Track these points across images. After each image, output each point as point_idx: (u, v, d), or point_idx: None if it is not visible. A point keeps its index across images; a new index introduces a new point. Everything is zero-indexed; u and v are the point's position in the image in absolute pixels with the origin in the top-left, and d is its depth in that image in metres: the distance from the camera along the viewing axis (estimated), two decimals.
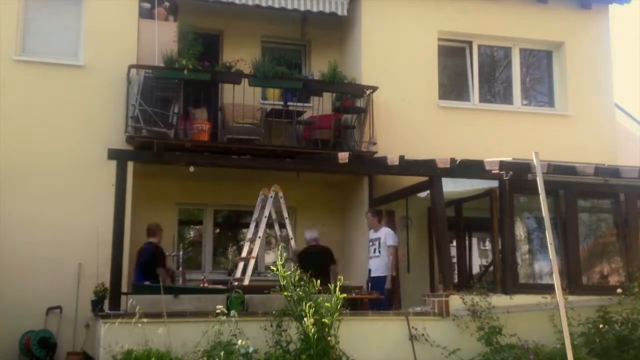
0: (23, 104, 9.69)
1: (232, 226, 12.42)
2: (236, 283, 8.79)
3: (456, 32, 11.80)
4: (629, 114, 15.26)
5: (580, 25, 12.31)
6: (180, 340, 7.09)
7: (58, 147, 9.68)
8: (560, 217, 9.39)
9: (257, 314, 7.73)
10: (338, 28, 11.84)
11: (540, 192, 6.59)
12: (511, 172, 8.98)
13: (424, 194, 9.85)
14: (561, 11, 12.19)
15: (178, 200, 11.13)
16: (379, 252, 9.74)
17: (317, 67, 11.20)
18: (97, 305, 8.30)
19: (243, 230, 10.19)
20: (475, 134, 11.19)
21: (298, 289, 7.28)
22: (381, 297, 9.32)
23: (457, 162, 8.95)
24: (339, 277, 7.49)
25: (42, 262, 9.20)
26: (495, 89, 12.69)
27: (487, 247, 13.59)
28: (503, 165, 8.90)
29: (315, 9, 11.02)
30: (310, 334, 7.03)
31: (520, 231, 9.69)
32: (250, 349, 7.04)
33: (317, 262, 9.05)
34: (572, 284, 9.03)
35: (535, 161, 6.78)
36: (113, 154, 8.54)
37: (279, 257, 7.44)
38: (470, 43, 12.02)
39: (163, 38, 10.03)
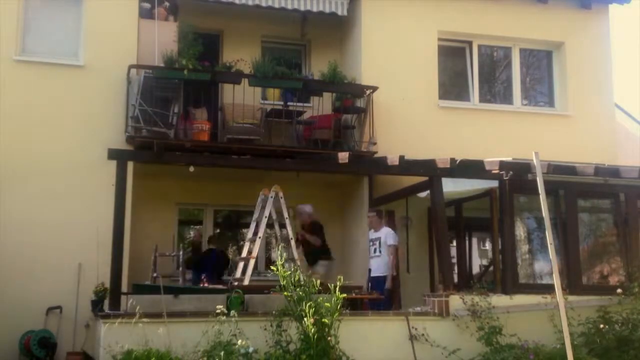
0: (23, 104, 9.69)
1: (232, 226, 12.42)
2: (236, 283, 8.79)
3: (456, 32, 11.80)
4: (629, 114, 15.27)
5: (580, 25, 12.31)
6: (180, 340, 7.09)
7: (58, 147, 9.68)
8: (560, 217, 9.40)
9: (257, 314, 7.73)
10: (338, 28, 11.85)
11: (540, 192, 6.59)
12: (511, 172, 8.98)
13: (424, 194, 9.85)
14: (561, 11, 12.19)
15: (178, 200, 11.13)
16: (380, 251, 9.75)
17: (317, 67, 11.20)
18: (97, 305, 8.30)
19: (243, 230, 10.19)
20: (475, 134, 11.19)
21: (298, 289, 7.29)
22: (381, 297, 9.32)
23: (457, 162, 8.95)
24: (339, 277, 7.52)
25: (42, 262, 9.20)
26: (495, 89, 12.69)
27: (487, 247, 13.61)
28: (503, 165, 8.90)
29: (315, 9, 11.02)
30: (310, 334, 7.03)
31: (520, 231, 9.69)
32: (250, 349, 7.04)
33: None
34: (572, 284, 9.03)
35: (535, 161, 6.78)
36: (113, 154, 8.54)
37: (279, 257, 7.45)
38: (470, 43, 12.02)
39: (163, 38, 10.03)
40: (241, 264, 9.40)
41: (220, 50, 11.54)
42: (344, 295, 7.30)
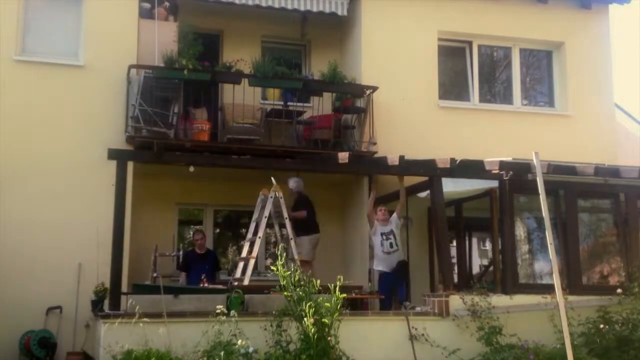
0: (23, 104, 9.69)
1: (232, 226, 12.42)
2: (236, 283, 8.79)
3: (456, 32, 11.79)
4: (629, 114, 15.27)
5: (580, 25, 12.31)
6: (180, 340, 7.09)
7: (58, 147, 9.67)
8: (560, 217, 9.40)
9: (257, 314, 7.74)
10: (338, 28, 11.84)
11: (540, 192, 6.60)
12: (511, 172, 8.98)
13: (424, 194, 9.85)
14: (561, 11, 12.19)
15: (178, 200, 11.13)
16: (397, 245, 9.58)
17: (317, 67, 11.19)
18: (97, 305, 8.30)
19: (243, 230, 10.20)
20: (475, 134, 11.19)
21: (298, 289, 7.29)
22: (381, 297, 9.34)
23: (457, 162, 8.96)
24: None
25: (42, 262, 9.20)
26: (495, 89, 12.69)
27: (487, 247, 13.60)
28: (503, 165, 8.91)
29: (315, 9, 11.02)
30: (310, 334, 7.03)
31: (520, 231, 9.69)
32: (250, 349, 7.05)
33: None
34: (572, 284, 9.03)
35: (535, 161, 6.78)
36: (113, 154, 8.55)
37: (279, 257, 7.46)
38: (470, 43, 12.02)
39: (163, 38, 10.02)
40: (241, 264, 9.40)
41: (220, 50, 11.54)
42: (344, 295, 7.31)
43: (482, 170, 9.03)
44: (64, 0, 10.39)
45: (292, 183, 10.00)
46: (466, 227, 11.13)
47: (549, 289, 7.91)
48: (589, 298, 8.80)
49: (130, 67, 9.77)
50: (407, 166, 9.19)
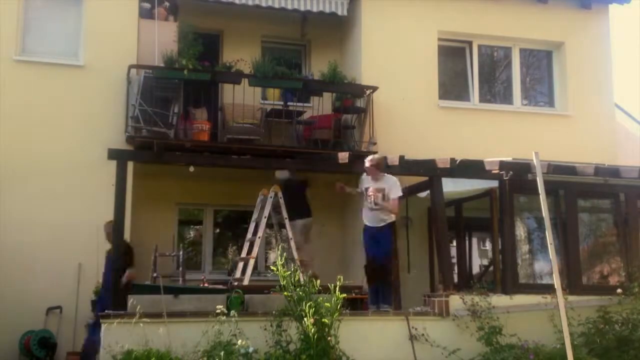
0: (23, 104, 9.69)
1: (232, 226, 12.42)
2: (236, 283, 8.79)
3: (456, 32, 11.80)
4: (629, 114, 15.27)
5: (580, 25, 12.31)
6: (180, 340, 7.09)
7: (58, 147, 9.68)
8: (560, 217, 9.40)
9: (257, 314, 7.73)
10: (338, 28, 11.85)
11: (540, 192, 6.60)
12: (511, 172, 8.98)
13: (424, 194, 9.85)
14: (561, 11, 12.19)
15: (178, 200, 11.13)
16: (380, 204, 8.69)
17: (317, 67, 11.20)
18: (97, 305, 8.30)
19: (243, 230, 10.20)
20: (475, 134, 11.19)
21: (298, 289, 7.29)
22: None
23: (457, 162, 8.95)
24: None
25: (42, 262, 9.20)
26: (495, 89, 12.69)
27: (487, 247, 13.60)
28: (503, 165, 8.90)
29: (315, 9, 11.02)
30: (310, 334, 7.03)
31: (520, 231, 9.69)
32: (250, 349, 7.04)
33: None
34: (572, 284, 9.03)
35: (535, 161, 6.78)
36: (113, 154, 8.54)
37: (279, 257, 7.46)
38: (470, 43, 12.02)
39: (163, 38, 10.03)
40: (241, 264, 9.40)
41: (220, 50, 11.54)
42: (344, 295, 7.31)
43: (482, 170, 9.02)
44: (64, 0, 10.40)
45: (280, 174, 9.86)
46: (466, 227, 11.13)
47: (549, 289, 7.91)
48: (589, 298, 8.79)
49: (130, 67, 9.78)
50: (407, 166, 9.19)
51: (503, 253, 9.24)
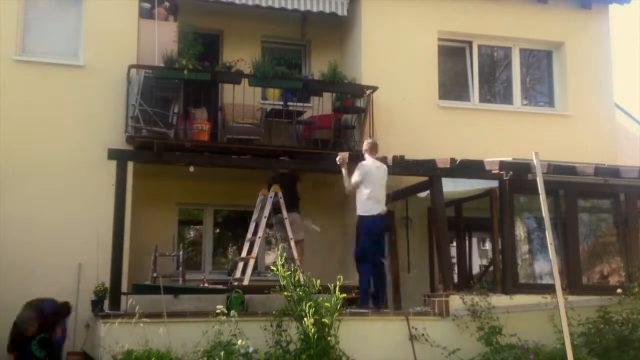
0: (23, 104, 9.69)
1: (232, 226, 12.43)
2: (236, 283, 8.79)
3: (456, 32, 11.80)
4: (629, 114, 15.28)
5: (580, 25, 12.31)
6: (180, 340, 7.09)
7: (58, 147, 9.67)
8: (560, 217, 9.40)
9: (257, 314, 7.74)
10: (338, 28, 11.85)
11: (540, 192, 6.60)
12: (511, 172, 8.98)
13: (424, 194, 9.85)
14: (561, 11, 12.19)
15: (178, 200, 11.12)
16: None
17: (317, 67, 11.20)
18: (97, 305, 8.30)
19: (243, 230, 10.21)
20: (475, 134, 11.19)
21: (298, 289, 7.29)
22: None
23: (457, 162, 8.96)
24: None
25: (42, 262, 9.19)
26: (495, 89, 12.69)
27: (487, 247, 13.61)
28: (503, 165, 8.91)
29: (315, 9, 11.02)
30: (310, 334, 7.03)
31: (520, 231, 9.69)
32: (250, 349, 7.05)
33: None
34: (572, 284, 9.04)
35: (535, 161, 6.78)
36: (113, 154, 8.56)
37: (279, 257, 7.46)
38: (470, 43, 12.02)
39: (163, 38, 10.03)
40: (241, 264, 9.40)
41: (220, 50, 11.54)
42: (344, 295, 7.31)
43: (482, 170, 9.03)
44: (64, 0, 10.39)
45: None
46: (466, 227, 11.13)
47: (549, 289, 7.92)
48: (589, 298, 8.80)
49: (130, 67, 9.77)
50: (407, 166, 9.19)
51: (503, 253, 9.25)
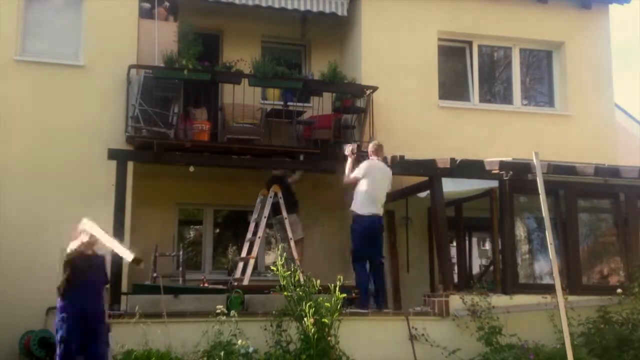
0: (23, 104, 9.68)
1: (232, 226, 12.43)
2: (236, 283, 8.79)
3: (456, 32, 11.79)
4: (629, 114, 15.28)
5: (580, 25, 12.31)
6: (180, 340, 7.10)
7: (58, 147, 9.66)
8: (560, 217, 9.41)
9: (257, 314, 7.75)
10: (338, 28, 11.84)
11: (540, 192, 6.60)
12: (511, 172, 8.98)
13: (424, 194, 9.85)
14: (561, 11, 12.19)
15: (178, 200, 11.12)
16: None
17: (317, 67, 11.19)
18: None
19: (243, 230, 10.21)
20: (475, 134, 11.19)
21: (298, 289, 7.29)
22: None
23: (457, 162, 8.96)
24: None
25: (42, 262, 9.17)
26: (495, 89, 12.69)
27: (487, 247, 13.61)
28: (503, 165, 8.91)
29: (315, 9, 11.02)
30: (310, 334, 7.04)
31: (520, 231, 9.70)
32: (250, 349, 7.06)
33: None
34: (572, 284, 9.04)
35: (535, 161, 6.78)
36: (113, 154, 8.56)
37: (279, 257, 7.46)
38: (470, 43, 12.01)
39: (163, 38, 10.02)
40: (241, 264, 9.41)
41: (220, 50, 11.54)
42: (344, 295, 7.31)
43: (482, 170, 9.03)
44: (64, 1, 10.39)
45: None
46: (466, 227, 11.13)
47: (549, 289, 7.92)
48: (589, 298, 8.81)
49: (130, 67, 9.77)
50: (407, 166, 9.20)
51: (503, 253, 9.25)
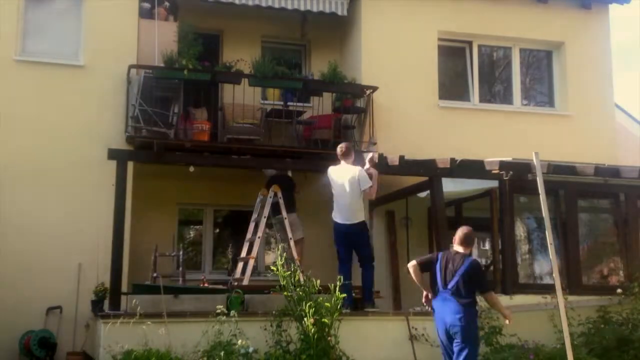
0: (23, 104, 9.68)
1: (232, 226, 12.43)
2: (236, 283, 8.79)
3: (456, 32, 11.79)
4: (629, 114, 15.28)
5: (580, 25, 12.31)
6: (180, 340, 7.10)
7: (58, 147, 9.67)
8: (560, 217, 9.40)
9: (257, 314, 7.74)
10: (338, 28, 11.84)
11: (540, 192, 6.60)
12: (511, 172, 8.99)
13: (424, 194, 9.85)
14: (561, 11, 12.19)
15: (178, 200, 11.12)
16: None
17: (317, 67, 11.20)
18: (97, 305, 8.31)
19: (243, 230, 10.21)
20: (475, 134, 11.19)
21: (298, 289, 7.29)
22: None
23: (457, 162, 8.96)
24: None
25: (42, 262, 9.20)
26: (495, 89, 12.69)
27: (487, 247, 13.59)
28: (503, 165, 8.91)
29: (315, 9, 11.02)
30: (310, 334, 7.04)
31: (520, 231, 9.70)
32: (250, 349, 7.06)
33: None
34: (572, 284, 9.04)
35: (535, 161, 6.78)
36: (113, 154, 8.56)
37: (279, 257, 7.46)
38: (470, 43, 12.01)
39: (163, 38, 10.02)
40: (241, 264, 9.40)
41: (220, 50, 11.54)
42: (344, 295, 7.31)
43: (482, 170, 9.03)
44: (64, 1, 10.39)
45: (268, 171, 10.13)
46: None
47: (549, 289, 7.91)
48: (589, 298, 8.80)
49: (130, 67, 9.77)
50: (407, 166, 9.19)
51: (503, 253, 9.24)
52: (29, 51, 9.99)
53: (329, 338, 7.14)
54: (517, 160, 8.99)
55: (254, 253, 9.23)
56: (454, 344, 6.60)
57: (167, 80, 9.73)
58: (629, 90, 33.41)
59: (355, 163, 8.66)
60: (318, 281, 7.37)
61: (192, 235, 12.25)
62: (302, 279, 7.49)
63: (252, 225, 9.52)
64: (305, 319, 7.11)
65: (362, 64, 11.09)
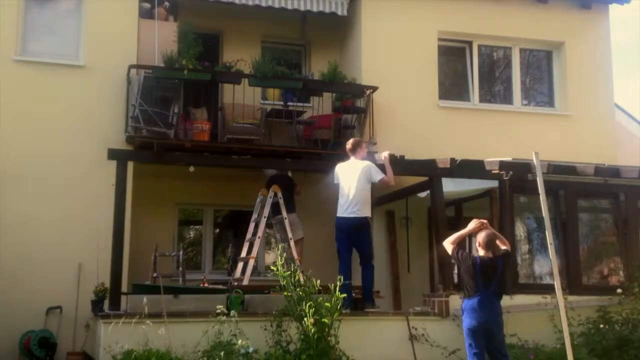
0: (23, 104, 9.68)
1: (232, 226, 12.43)
2: (236, 283, 8.79)
3: (456, 32, 11.79)
4: (629, 114, 15.28)
5: (580, 25, 12.31)
6: (180, 340, 7.10)
7: (58, 147, 9.67)
8: (560, 217, 9.40)
9: (257, 314, 7.74)
10: (338, 28, 11.84)
11: (540, 192, 6.60)
12: (511, 172, 8.98)
13: (424, 194, 9.85)
14: (561, 11, 12.19)
15: (178, 200, 11.13)
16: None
17: (317, 67, 11.20)
18: (97, 305, 8.30)
19: (243, 230, 10.21)
20: (475, 134, 11.19)
21: (298, 289, 7.29)
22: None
23: (457, 162, 8.96)
24: None
25: (42, 262, 9.20)
26: (495, 89, 12.69)
27: None
28: (503, 165, 8.91)
29: (315, 9, 11.02)
30: (310, 334, 7.04)
31: (520, 231, 9.69)
32: (250, 349, 7.06)
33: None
34: (572, 284, 9.04)
35: (535, 161, 6.79)
36: (113, 154, 8.56)
37: (279, 257, 7.46)
38: (470, 43, 12.01)
39: (163, 38, 10.02)
40: (241, 264, 9.40)
41: (220, 50, 11.54)
42: (344, 295, 7.31)
43: (482, 170, 9.03)
44: (64, 0, 10.39)
45: (268, 171, 10.15)
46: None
47: (549, 289, 7.91)
48: (589, 298, 8.80)
49: (130, 67, 9.77)
50: (407, 166, 9.19)
51: None
52: (29, 51, 9.99)
53: (329, 338, 7.13)
54: (517, 160, 8.99)
55: (254, 253, 9.23)
56: (496, 341, 7.04)
57: (167, 80, 9.72)
58: (629, 90, 33.41)
59: (365, 159, 8.70)
60: (318, 281, 7.37)
61: (192, 235, 12.25)
62: (302, 279, 7.49)
63: (252, 225, 9.52)
64: (305, 319, 7.11)
65: (362, 64, 11.09)
